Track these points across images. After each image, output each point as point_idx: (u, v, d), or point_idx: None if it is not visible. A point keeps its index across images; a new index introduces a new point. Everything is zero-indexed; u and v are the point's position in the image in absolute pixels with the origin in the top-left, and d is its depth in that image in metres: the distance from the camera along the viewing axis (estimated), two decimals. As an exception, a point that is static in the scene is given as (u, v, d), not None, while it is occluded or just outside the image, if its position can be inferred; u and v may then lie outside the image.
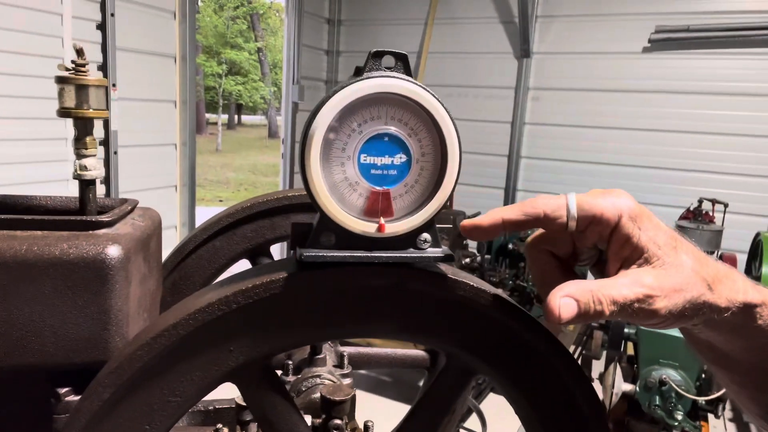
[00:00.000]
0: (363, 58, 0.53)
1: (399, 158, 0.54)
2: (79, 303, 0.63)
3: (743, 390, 0.57)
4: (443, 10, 5.61)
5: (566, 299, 0.48)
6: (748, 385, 0.56)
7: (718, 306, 0.49)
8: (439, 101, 0.53)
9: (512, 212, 0.52)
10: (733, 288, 0.50)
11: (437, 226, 0.58)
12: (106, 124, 3.74)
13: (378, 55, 0.53)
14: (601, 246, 0.53)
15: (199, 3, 25.02)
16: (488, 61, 5.53)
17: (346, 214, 0.54)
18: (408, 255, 0.56)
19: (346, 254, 0.55)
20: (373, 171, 0.54)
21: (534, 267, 0.56)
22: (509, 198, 5.54)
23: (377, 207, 0.55)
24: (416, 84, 0.53)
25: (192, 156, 4.49)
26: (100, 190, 3.80)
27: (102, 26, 3.67)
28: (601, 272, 0.55)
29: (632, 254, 0.50)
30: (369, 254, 0.55)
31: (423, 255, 0.56)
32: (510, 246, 4.21)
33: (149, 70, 4.10)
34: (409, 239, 0.56)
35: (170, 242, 1.05)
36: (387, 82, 0.52)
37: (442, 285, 0.56)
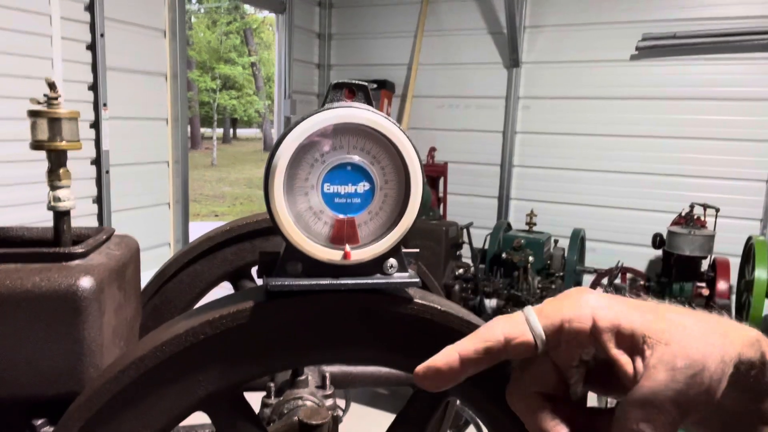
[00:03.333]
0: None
1: (362, 186, 0.55)
2: (53, 335, 0.63)
3: None
4: (432, 23, 5.66)
5: None
6: None
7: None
8: (400, 129, 0.54)
9: (467, 344, 0.44)
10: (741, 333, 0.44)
11: (404, 251, 0.59)
12: (98, 143, 3.75)
13: (339, 86, 0.54)
14: (586, 356, 0.44)
15: (192, 19, 25.15)
16: (478, 71, 5.56)
17: (312, 242, 0.55)
18: (374, 281, 0.57)
19: (313, 282, 0.55)
20: (337, 200, 0.55)
21: (529, 422, 0.45)
22: (503, 207, 5.55)
23: (342, 235, 0.56)
24: (377, 113, 0.54)
25: (185, 173, 4.50)
26: (93, 209, 3.80)
27: (92, 46, 3.69)
28: (604, 385, 0.47)
29: (632, 344, 0.42)
30: (336, 281, 0.56)
31: (389, 281, 0.57)
32: (504, 255, 4.22)
33: (140, 88, 4.12)
34: (376, 265, 0.57)
35: (164, 259, 1.06)
36: (348, 112, 0.53)
37: (408, 309, 0.57)
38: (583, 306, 0.43)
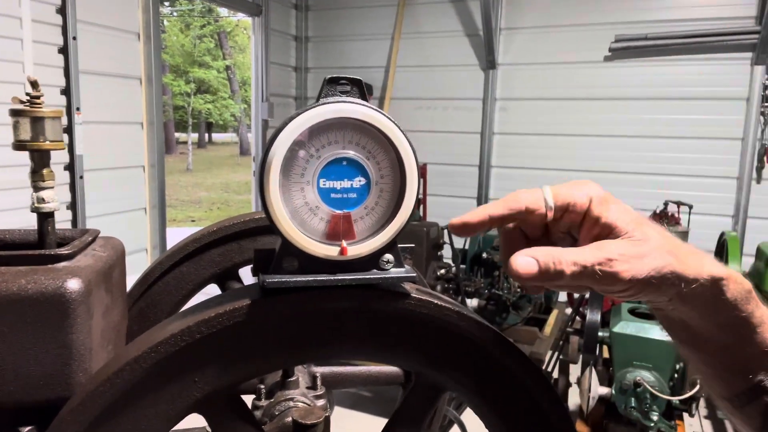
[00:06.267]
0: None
1: (358, 181, 0.55)
2: (40, 339, 0.61)
3: (714, 371, 0.58)
4: (409, 25, 5.68)
5: (527, 258, 0.52)
6: (719, 365, 0.57)
7: (686, 276, 0.52)
8: (395, 124, 0.54)
9: (497, 208, 0.56)
10: (699, 262, 0.53)
11: (399, 245, 0.58)
12: (71, 148, 3.67)
13: (333, 81, 0.54)
14: (573, 231, 0.57)
15: (165, 23, 24.84)
16: (455, 73, 5.61)
17: (308, 238, 0.54)
18: (371, 276, 0.56)
19: (310, 278, 0.55)
20: (333, 195, 0.55)
21: (504, 242, 0.60)
22: (482, 207, 5.59)
23: (339, 230, 0.55)
24: (372, 108, 0.54)
25: (161, 177, 4.44)
26: (67, 215, 3.72)
27: (64, 50, 3.62)
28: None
29: (601, 232, 0.54)
30: (332, 277, 0.55)
31: (386, 276, 0.57)
32: (484, 255, 4.24)
33: (114, 92, 4.05)
34: (372, 261, 0.57)
35: (141, 265, 1.04)
36: (343, 107, 0.53)
37: (405, 304, 0.57)
38: (586, 197, 0.55)
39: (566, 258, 0.51)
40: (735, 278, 0.53)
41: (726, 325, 0.54)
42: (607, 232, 0.53)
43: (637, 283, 0.51)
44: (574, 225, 0.56)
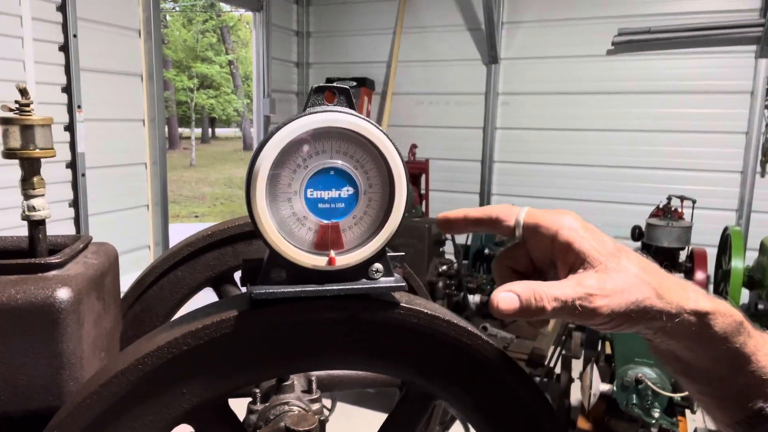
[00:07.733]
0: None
1: (346, 191, 0.55)
2: (30, 349, 0.61)
3: (711, 399, 0.58)
4: (411, 20, 5.66)
5: (508, 293, 0.51)
6: (716, 394, 0.57)
7: (668, 311, 0.51)
8: (383, 133, 0.54)
9: (473, 210, 0.59)
10: (683, 296, 0.52)
11: (389, 254, 0.58)
12: (73, 146, 3.68)
13: (320, 90, 0.54)
14: (552, 258, 0.56)
15: (167, 18, 24.81)
16: (457, 68, 5.58)
17: (296, 249, 0.54)
18: (360, 286, 0.56)
19: (298, 289, 0.54)
20: (320, 205, 0.54)
21: (497, 278, 0.61)
22: (484, 202, 5.58)
23: (327, 240, 0.55)
24: (360, 117, 0.53)
25: (163, 174, 4.44)
26: (69, 213, 3.73)
27: (65, 47, 3.62)
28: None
29: (576, 260, 0.53)
30: (321, 288, 0.55)
31: (375, 285, 0.57)
32: (486, 251, 4.23)
33: (115, 89, 4.04)
34: (361, 270, 0.56)
35: (144, 263, 1.04)
36: (330, 117, 0.52)
37: (395, 314, 0.56)
38: (556, 222, 0.54)
39: (547, 293, 0.50)
40: (723, 311, 0.52)
41: (717, 357, 0.53)
42: (580, 261, 0.52)
43: (616, 317, 0.50)
44: (546, 251, 0.55)
